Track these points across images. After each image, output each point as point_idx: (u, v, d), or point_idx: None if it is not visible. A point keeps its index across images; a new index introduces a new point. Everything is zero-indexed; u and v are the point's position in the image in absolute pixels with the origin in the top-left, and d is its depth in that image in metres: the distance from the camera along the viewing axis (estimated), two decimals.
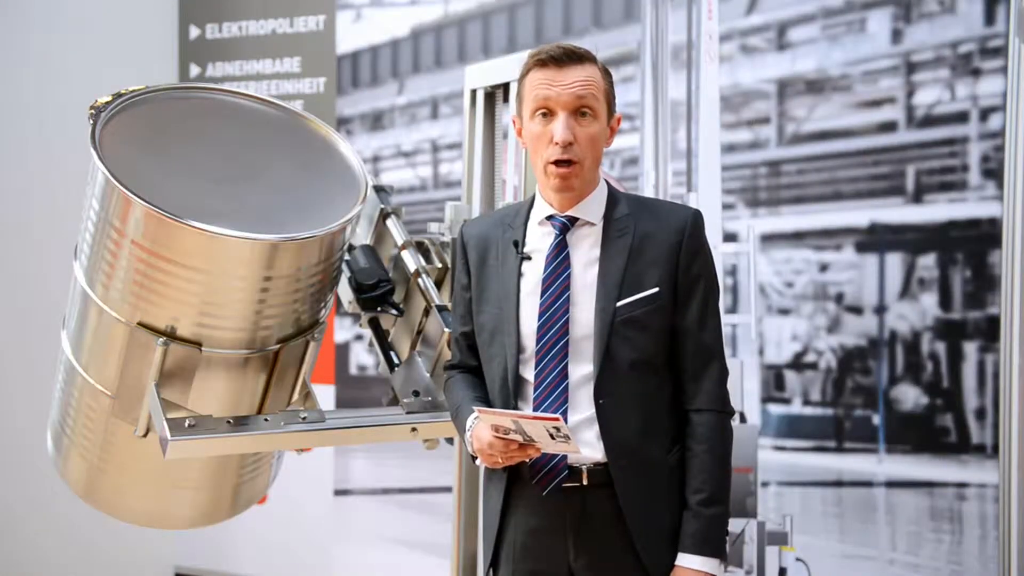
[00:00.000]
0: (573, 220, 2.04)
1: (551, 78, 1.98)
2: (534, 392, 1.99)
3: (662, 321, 2.00)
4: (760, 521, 3.66)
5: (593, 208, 2.05)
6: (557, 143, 1.97)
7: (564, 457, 1.97)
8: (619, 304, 1.98)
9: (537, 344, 1.99)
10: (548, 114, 1.99)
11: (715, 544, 1.98)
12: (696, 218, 2.05)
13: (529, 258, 2.05)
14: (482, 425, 1.95)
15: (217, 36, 4.84)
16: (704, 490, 1.98)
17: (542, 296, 2.01)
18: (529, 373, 2.01)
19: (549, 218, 2.06)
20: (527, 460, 1.97)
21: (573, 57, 1.99)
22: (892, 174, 3.73)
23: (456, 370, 2.20)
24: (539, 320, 2.00)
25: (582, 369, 1.98)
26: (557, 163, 1.98)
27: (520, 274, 2.05)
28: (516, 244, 2.07)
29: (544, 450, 1.91)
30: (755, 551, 3.64)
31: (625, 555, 1.98)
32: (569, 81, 1.98)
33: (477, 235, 2.14)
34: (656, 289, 1.99)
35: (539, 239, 2.06)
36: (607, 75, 2.04)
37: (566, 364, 1.97)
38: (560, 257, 2.02)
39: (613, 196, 2.08)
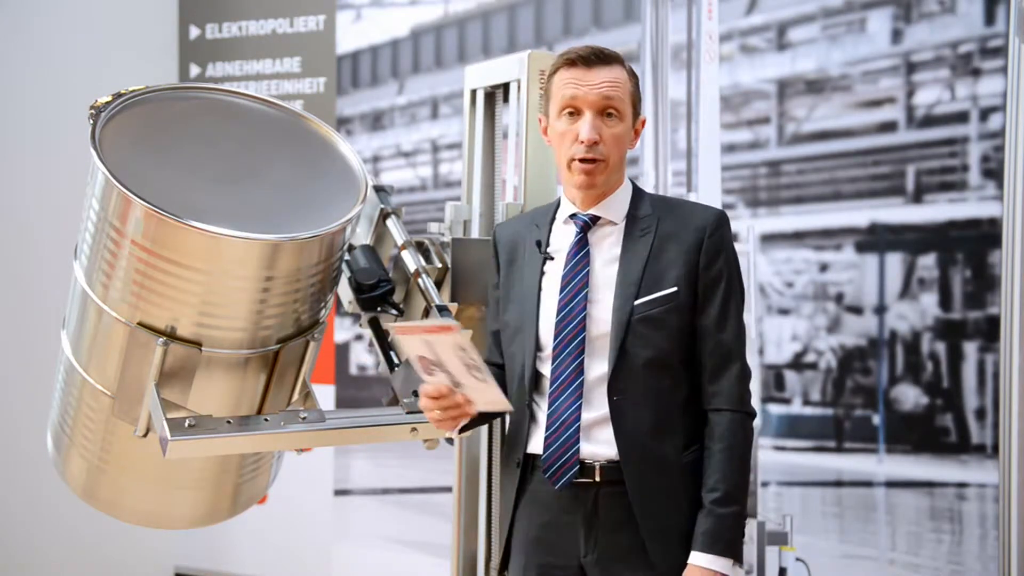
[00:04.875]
0: (595, 219, 2.06)
1: (579, 78, 2.01)
2: (550, 388, 2.01)
3: (680, 320, 2.01)
4: (760, 521, 3.65)
5: (616, 207, 2.07)
6: (582, 141, 1.99)
7: (576, 451, 1.98)
8: (637, 303, 2.00)
9: (555, 341, 2.01)
10: (575, 113, 2.02)
11: (728, 543, 1.99)
12: (720, 218, 2.06)
13: (552, 258, 2.07)
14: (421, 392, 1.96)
15: (217, 36, 4.84)
16: (719, 489, 1.99)
17: (560, 293, 2.03)
18: (546, 370, 2.03)
19: (572, 216, 2.08)
20: (542, 455, 1.99)
21: (602, 58, 2.02)
22: (892, 174, 3.73)
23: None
24: (557, 316, 2.02)
25: (598, 367, 2.00)
26: (582, 160, 2.00)
27: (542, 272, 2.07)
28: (539, 244, 2.09)
29: (476, 404, 1.91)
30: (755, 551, 3.63)
31: (635, 552, 1.99)
32: (597, 81, 2.00)
33: (508, 236, 2.19)
34: (674, 288, 2.01)
35: (563, 238, 2.09)
36: (634, 77, 2.08)
37: (582, 361, 1.99)
38: (580, 255, 2.04)
39: (638, 196, 2.10)
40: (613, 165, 2.03)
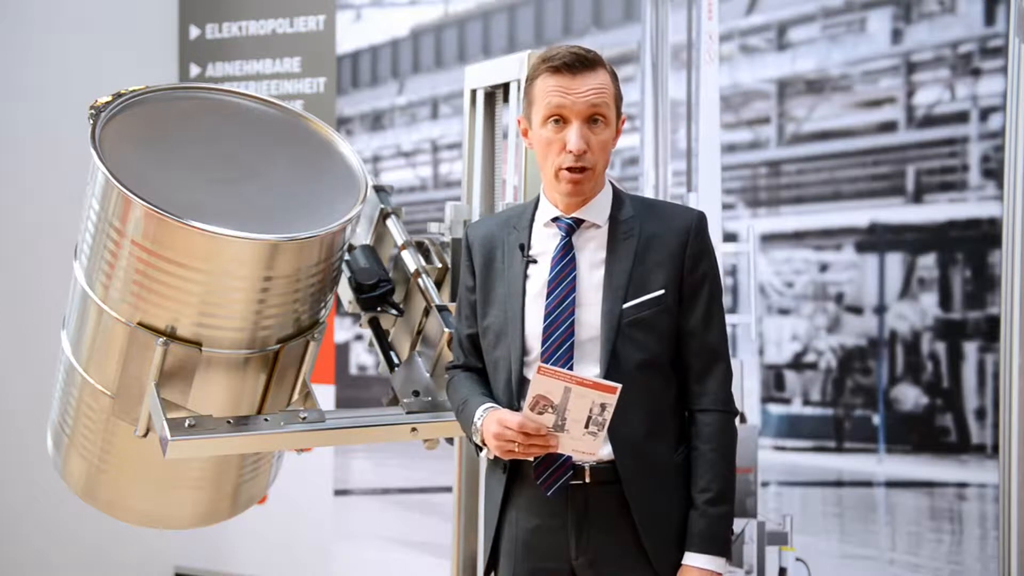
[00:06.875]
0: (579, 222, 2.05)
1: (565, 86, 1.98)
2: None
3: (668, 322, 2.01)
4: (760, 521, 3.66)
5: (599, 210, 2.06)
6: (571, 151, 1.97)
7: (568, 457, 1.96)
8: (626, 306, 1.99)
9: (543, 346, 1.99)
10: (561, 121, 1.99)
11: (721, 543, 2.00)
12: (701, 220, 2.06)
13: (535, 261, 2.06)
14: (500, 414, 1.94)
15: (217, 36, 4.84)
16: (711, 489, 1.99)
17: (548, 298, 2.01)
18: (532, 376, 2.01)
19: (555, 220, 2.06)
20: (531, 459, 1.97)
21: (586, 63, 1.99)
22: (892, 174, 3.73)
23: (458, 370, 2.20)
24: (545, 322, 2.00)
25: (588, 370, 1.98)
26: (570, 170, 1.99)
27: (526, 276, 2.05)
28: (522, 247, 2.07)
29: (562, 447, 1.90)
30: (755, 551, 3.64)
31: (627, 552, 1.99)
32: (584, 89, 1.97)
33: (482, 236, 2.15)
34: (662, 291, 2.00)
35: (545, 241, 2.07)
36: (615, 77, 2.04)
37: (571, 366, 1.98)
38: (566, 259, 2.03)
39: (618, 198, 2.08)
40: (599, 171, 2.02)
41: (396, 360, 2.67)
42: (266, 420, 2.34)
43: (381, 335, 2.71)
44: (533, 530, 2.03)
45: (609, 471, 1.98)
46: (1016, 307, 3.38)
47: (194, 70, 4.88)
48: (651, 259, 2.02)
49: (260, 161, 2.38)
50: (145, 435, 2.34)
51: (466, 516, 2.92)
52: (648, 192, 3.92)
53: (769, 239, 3.89)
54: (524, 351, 2.02)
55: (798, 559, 3.74)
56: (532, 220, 2.10)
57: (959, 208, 3.63)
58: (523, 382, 2.02)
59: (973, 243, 3.61)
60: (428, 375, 2.53)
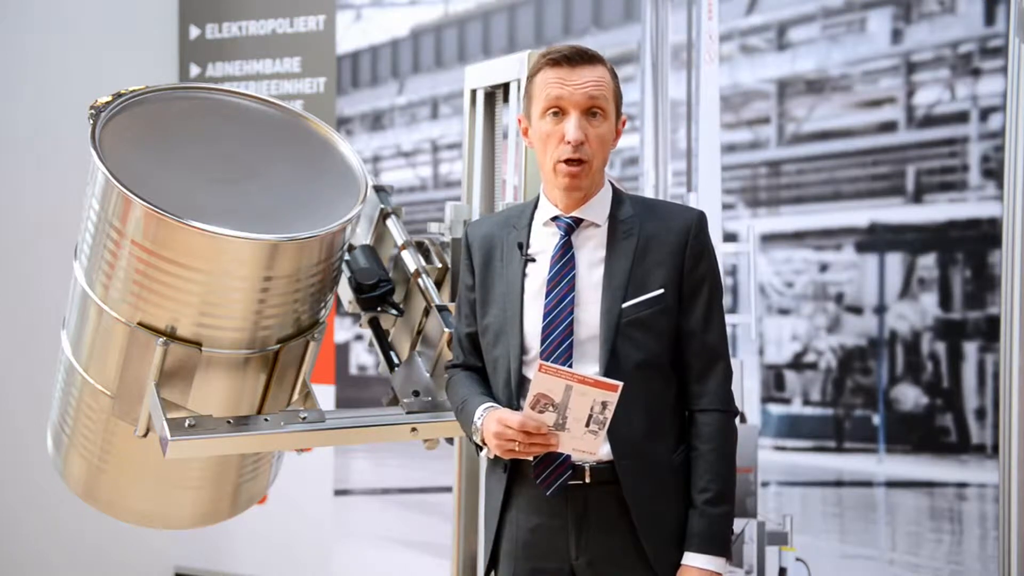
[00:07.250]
0: (578, 221, 2.05)
1: (563, 77, 1.99)
2: None
3: (667, 322, 2.01)
4: (760, 521, 3.66)
5: (598, 209, 2.06)
6: (569, 142, 1.98)
7: (567, 456, 1.97)
8: (625, 305, 1.99)
9: (542, 345, 1.99)
10: (559, 113, 2.00)
11: (721, 543, 1.99)
12: (701, 220, 2.06)
13: (534, 260, 2.06)
14: (500, 413, 1.95)
15: (217, 36, 4.84)
16: (710, 489, 1.99)
17: (547, 297, 2.01)
18: (533, 374, 2.01)
19: (554, 219, 2.06)
20: (531, 459, 1.97)
21: (585, 57, 2.00)
22: (892, 174, 3.73)
23: (458, 369, 2.21)
24: (544, 321, 2.00)
25: (587, 370, 1.98)
26: (568, 162, 1.99)
27: (524, 275, 2.05)
28: (520, 246, 2.07)
29: (563, 446, 1.90)
30: (755, 551, 3.64)
31: (627, 553, 1.99)
32: (581, 81, 1.98)
33: (482, 236, 2.15)
34: (661, 291, 2.00)
35: (544, 240, 2.07)
36: (615, 76, 2.05)
37: (571, 365, 1.98)
38: (565, 258, 2.03)
39: (618, 197, 2.08)
40: (597, 166, 2.02)
41: (396, 360, 2.67)
42: (266, 420, 2.34)
43: (381, 335, 2.71)
44: (533, 530, 2.03)
45: (608, 471, 1.98)
46: (1016, 307, 3.38)
47: (194, 70, 4.88)
48: (650, 259, 2.02)
49: (260, 161, 2.38)
50: (145, 435, 2.34)
51: (466, 516, 2.92)
52: (648, 192, 3.92)
53: (769, 239, 3.89)
54: (523, 350, 2.02)
55: (798, 559, 3.74)
56: (531, 219, 2.10)
57: (959, 208, 3.63)
58: (522, 381, 2.02)
59: (973, 243, 3.61)
60: (428, 375, 2.53)
